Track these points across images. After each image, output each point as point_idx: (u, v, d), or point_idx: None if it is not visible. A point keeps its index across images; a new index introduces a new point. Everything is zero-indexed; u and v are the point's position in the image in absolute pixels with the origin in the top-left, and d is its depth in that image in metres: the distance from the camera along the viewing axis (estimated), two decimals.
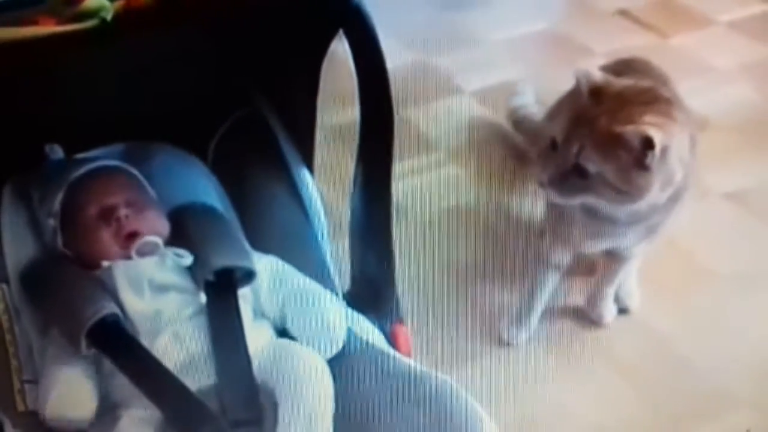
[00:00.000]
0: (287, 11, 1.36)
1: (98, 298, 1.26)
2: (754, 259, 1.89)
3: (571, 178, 1.39)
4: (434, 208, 2.03)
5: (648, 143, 1.32)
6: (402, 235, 1.88)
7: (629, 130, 1.33)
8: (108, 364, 1.23)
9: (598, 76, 1.42)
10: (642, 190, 1.38)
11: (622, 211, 1.47)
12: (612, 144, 1.35)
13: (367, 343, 1.31)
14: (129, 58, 1.32)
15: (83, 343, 1.23)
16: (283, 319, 1.34)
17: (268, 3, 1.32)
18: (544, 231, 1.68)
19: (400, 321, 1.38)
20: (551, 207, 1.60)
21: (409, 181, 2.09)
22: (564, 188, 1.41)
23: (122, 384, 1.21)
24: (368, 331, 1.35)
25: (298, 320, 1.32)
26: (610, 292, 1.72)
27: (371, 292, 1.41)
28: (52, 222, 1.38)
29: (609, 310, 1.73)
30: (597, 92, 1.40)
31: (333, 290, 1.40)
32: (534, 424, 1.54)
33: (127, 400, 1.21)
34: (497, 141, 2.19)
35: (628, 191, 1.38)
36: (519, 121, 2.13)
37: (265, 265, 1.36)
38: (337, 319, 1.31)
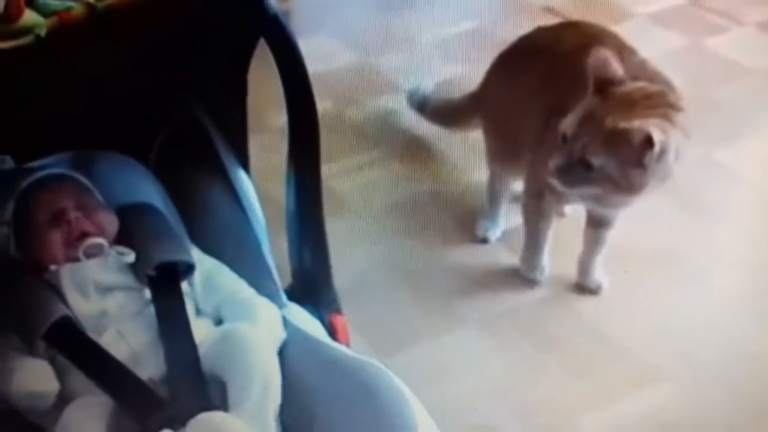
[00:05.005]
0: (211, 22, 1.39)
1: (50, 302, 1.30)
2: (671, 238, 1.97)
3: (577, 169, 1.49)
4: (377, 203, 2.09)
5: (648, 142, 1.41)
6: (346, 230, 1.95)
7: (634, 127, 1.42)
8: (61, 360, 1.27)
9: (614, 70, 1.50)
10: (637, 187, 1.50)
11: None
12: (616, 140, 1.44)
13: (306, 334, 1.34)
14: (68, 72, 1.35)
15: (40, 345, 1.28)
16: (220, 323, 1.37)
17: (192, 14, 1.36)
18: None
19: (338, 311, 1.42)
20: None
21: (353, 178, 2.14)
22: (569, 178, 1.52)
23: (76, 378, 1.25)
24: (307, 322, 1.39)
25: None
26: (600, 260, 1.82)
27: (309, 285, 1.45)
28: (5, 230, 1.42)
29: (603, 277, 1.83)
30: (603, 87, 1.49)
31: (272, 285, 1.44)
32: (468, 400, 1.61)
33: (83, 391, 1.24)
34: (436, 137, 2.25)
35: (625, 186, 1.49)
36: (421, 103, 2.22)
37: (200, 266, 1.40)
38: (270, 329, 1.33)
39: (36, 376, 1.26)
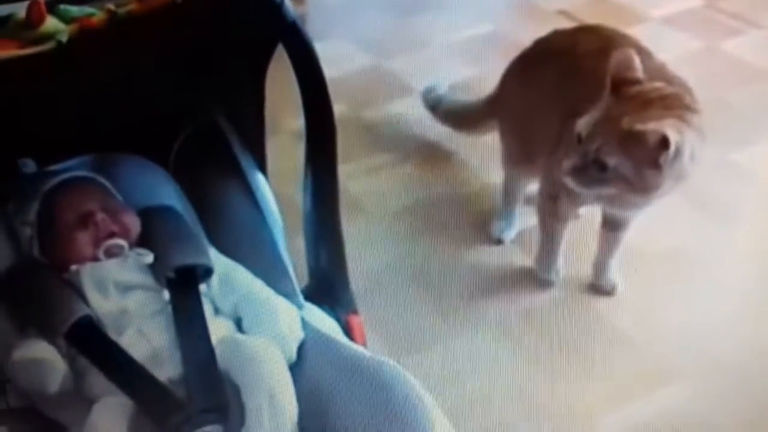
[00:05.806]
0: (230, 28, 1.41)
1: (71, 302, 1.32)
2: (685, 238, 1.97)
3: (591, 170, 1.50)
4: (392, 204, 2.09)
5: (664, 143, 1.41)
6: (362, 231, 1.96)
7: (649, 128, 1.42)
8: (82, 360, 1.28)
9: (635, 70, 1.51)
10: (652, 188, 1.50)
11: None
12: (631, 141, 1.44)
13: (323, 334, 1.35)
14: (89, 77, 1.38)
15: (62, 344, 1.29)
16: (239, 322, 1.39)
17: (211, 21, 1.38)
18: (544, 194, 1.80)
19: (355, 312, 1.43)
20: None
21: (368, 180, 2.15)
22: (584, 179, 1.52)
23: (97, 378, 1.27)
24: (324, 322, 1.40)
25: (252, 330, 1.36)
26: (615, 262, 1.83)
27: (326, 286, 1.46)
28: (28, 231, 1.43)
29: (618, 278, 1.84)
30: (620, 87, 1.50)
31: (290, 285, 1.46)
32: (483, 400, 1.61)
33: (102, 391, 1.25)
34: (450, 138, 2.26)
35: (640, 187, 1.49)
36: (434, 104, 2.23)
37: (216, 266, 1.41)
38: (288, 330, 1.35)
39: (38, 347, 1.28)
